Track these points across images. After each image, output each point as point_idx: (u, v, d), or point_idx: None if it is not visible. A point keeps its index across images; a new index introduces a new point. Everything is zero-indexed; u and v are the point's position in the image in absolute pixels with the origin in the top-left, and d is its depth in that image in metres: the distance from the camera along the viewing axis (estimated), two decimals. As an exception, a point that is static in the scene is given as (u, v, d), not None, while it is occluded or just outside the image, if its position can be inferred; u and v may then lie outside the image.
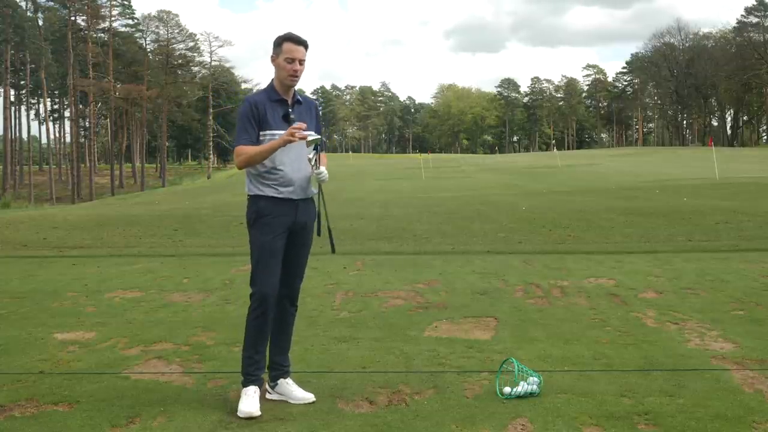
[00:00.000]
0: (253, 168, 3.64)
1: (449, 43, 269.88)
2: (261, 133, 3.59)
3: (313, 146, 3.61)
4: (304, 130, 3.54)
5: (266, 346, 3.74)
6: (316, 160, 3.64)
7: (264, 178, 3.63)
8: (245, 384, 3.62)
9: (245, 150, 3.57)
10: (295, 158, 3.62)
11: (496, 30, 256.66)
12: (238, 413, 3.45)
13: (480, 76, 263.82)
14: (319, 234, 3.85)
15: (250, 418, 3.42)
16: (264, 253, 3.63)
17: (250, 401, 3.51)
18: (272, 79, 3.71)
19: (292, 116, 3.64)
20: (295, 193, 3.65)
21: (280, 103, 3.66)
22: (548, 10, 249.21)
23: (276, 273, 3.66)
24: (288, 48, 3.61)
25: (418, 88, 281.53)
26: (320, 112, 3.95)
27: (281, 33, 3.66)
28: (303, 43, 3.65)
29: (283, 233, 3.65)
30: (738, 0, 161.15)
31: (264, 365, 3.74)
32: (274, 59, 3.66)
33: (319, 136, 3.64)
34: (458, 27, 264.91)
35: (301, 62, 3.63)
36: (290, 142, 3.48)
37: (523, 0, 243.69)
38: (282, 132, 3.57)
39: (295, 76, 3.62)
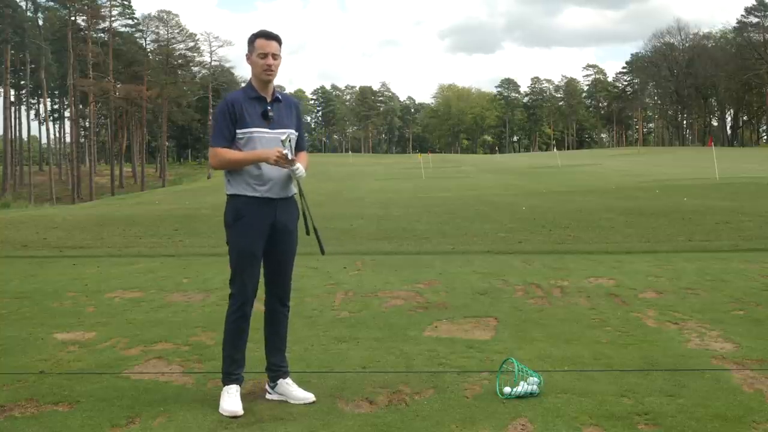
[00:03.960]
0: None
1: (445, 43, 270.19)
2: (238, 131, 3.58)
3: (287, 143, 3.61)
4: (281, 129, 3.62)
5: (246, 344, 3.74)
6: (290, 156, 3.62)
7: (241, 176, 3.61)
8: (226, 383, 3.62)
9: (223, 154, 3.57)
10: None
11: (490, 31, 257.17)
12: (221, 411, 3.46)
13: (477, 76, 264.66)
14: (307, 233, 3.83)
15: (237, 417, 3.41)
16: (243, 256, 3.62)
17: (232, 400, 3.52)
18: (250, 78, 3.71)
19: (270, 113, 3.63)
20: (272, 191, 3.62)
21: (258, 100, 3.65)
22: (542, 11, 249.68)
23: (255, 274, 3.65)
24: (260, 44, 3.61)
25: (415, 88, 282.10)
26: (301, 112, 3.94)
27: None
28: (275, 38, 3.64)
29: (262, 235, 3.62)
30: (733, 1, 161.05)
31: (244, 363, 3.74)
32: (248, 57, 3.66)
33: (288, 134, 3.64)
34: (453, 28, 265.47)
35: (275, 56, 3.62)
36: (274, 164, 3.50)
37: (516, 1, 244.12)
38: (260, 129, 3.59)
39: (270, 70, 3.62)
